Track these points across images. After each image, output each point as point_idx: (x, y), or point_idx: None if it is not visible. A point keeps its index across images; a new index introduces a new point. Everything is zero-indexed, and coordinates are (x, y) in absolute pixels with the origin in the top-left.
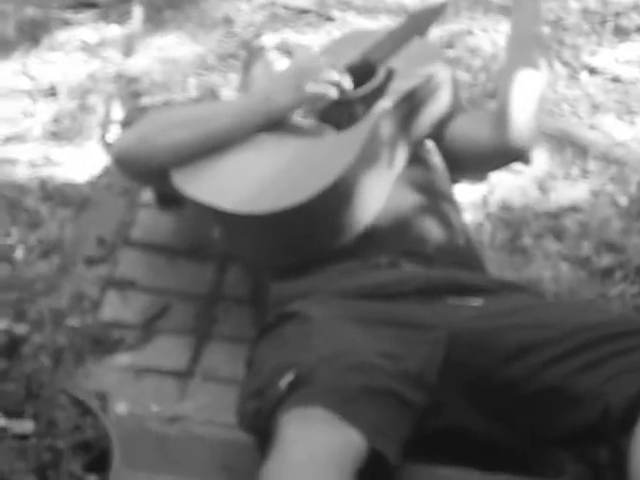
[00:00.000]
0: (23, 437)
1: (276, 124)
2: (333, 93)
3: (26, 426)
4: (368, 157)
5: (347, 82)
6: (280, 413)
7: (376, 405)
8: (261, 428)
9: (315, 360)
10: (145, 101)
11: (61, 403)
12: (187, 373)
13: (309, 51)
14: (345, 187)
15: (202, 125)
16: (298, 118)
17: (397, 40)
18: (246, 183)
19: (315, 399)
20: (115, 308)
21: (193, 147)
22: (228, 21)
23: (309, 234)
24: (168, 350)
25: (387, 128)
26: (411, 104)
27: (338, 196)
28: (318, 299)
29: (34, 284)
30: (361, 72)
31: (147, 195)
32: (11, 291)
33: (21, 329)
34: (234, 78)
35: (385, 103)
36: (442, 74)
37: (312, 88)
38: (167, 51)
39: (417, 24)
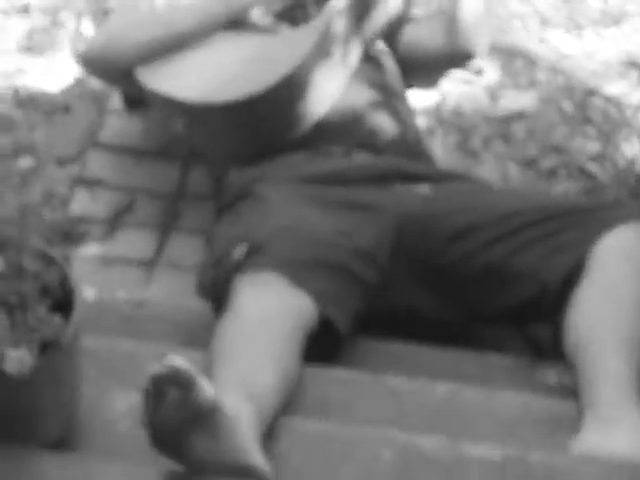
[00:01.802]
0: None
1: (236, 23)
2: None
3: None
4: (322, 52)
5: None
6: (235, 280)
7: (328, 276)
8: (218, 295)
9: (269, 232)
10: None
11: (28, 251)
12: (152, 262)
13: None
14: (299, 79)
15: (166, 25)
16: (257, 17)
17: None
18: (207, 76)
19: (268, 265)
20: (84, 204)
21: (157, 46)
22: None
23: (266, 123)
24: (134, 242)
25: (340, 25)
26: (364, 2)
27: (293, 87)
28: (273, 182)
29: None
30: None
31: (116, 101)
32: None
33: None
34: None
35: (338, 2)
36: None
37: None
38: None
39: None
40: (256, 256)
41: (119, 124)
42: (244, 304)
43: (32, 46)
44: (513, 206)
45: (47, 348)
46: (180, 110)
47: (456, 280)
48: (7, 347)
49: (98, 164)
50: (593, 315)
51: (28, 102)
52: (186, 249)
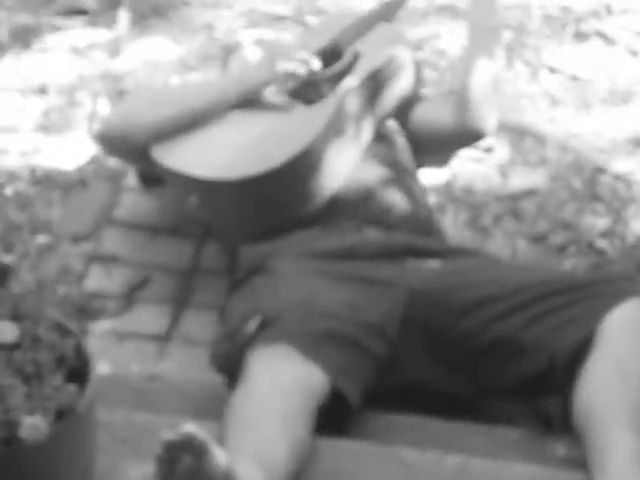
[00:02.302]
0: (11, 348)
1: (250, 101)
2: (302, 71)
3: (10, 333)
4: (335, 129)
5: (316, 63)
6: (248, 353)
7: (339, 349)
8: (231, 368)
9: (282, 305)
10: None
11: (44, 323)
12: (166, 337)
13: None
14: (313, 156)
15: (181, 103)
16: (271, 96)
17: (364, 25)
18: (221, 153)
19: (281, 338)
20: (98, 280)
21: (172, 124)
22: (209, 27)
23: (279, 200)
24: (148, 317)
25: (353, 104)
26: (376, 83)
27: (306, 164)
28: (286, 257)
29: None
30: (330, 55)
31: (131, 179)
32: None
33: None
34: (211, 76)
35: (351, 81)
36: (404, 56)
37: (282, 66)
38: (151, 53)
39: (384, 11)
40: (269, 329)
41: (134, 202)
42: (257, 376)
43: (49, 125)
44: (522, 281)
45: (62, 416)
46: (194, 187)
47: (466, 354)
48: (23, 414)
49: (113, 241)
50: (602, 389)
51: (44, 180)
52: (200, 324)
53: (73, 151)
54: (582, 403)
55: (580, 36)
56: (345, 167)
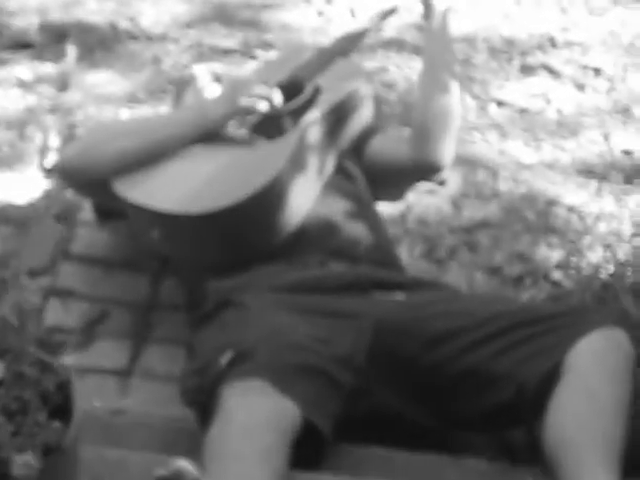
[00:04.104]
0: None
1: (211, 135)
2: (263, 106)
3: None
4: (297, 163)
5: (277, 97)
6: (221, 387)
7: (309, 381)
8: (202, 402)
9: (253, 339)
10: (80, 131)
11: (26, 359)
12: (127, 372)
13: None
14: (277, 190)
15: (142, 136)
16: (231, 130)
17: (324, 60)
18: (184, 187)
19: (254, 373)
20: (57, 315)
21: (133, 157)
22: (157, 60)
23: (243, 234)
24: (108, 352)
25: (315, 137)
26: (337, 116)
27: (271, 198)
28: (252, 292)
29: None
30: (290, 89)
31: (86, 213)
32: None
33: None
34: (165, 110)
35: (313, 115)
36: (364, 89)
37: (244, 101)
38: (99, 88)
39: (342, 46)
40: (241, 364)
41: (89, 236)
42: (233, 411)
43: None
44: (488, 312)
45: (48, 453)
46: (156, 221)
47: (433, 385)
48: (12, 452)
49: (69, 275)
50: (573, 419)
51: None
52: (160, 359)
53: (25, 185)
54: (553, 434)
55: (526, 69)
56: (308, 201)
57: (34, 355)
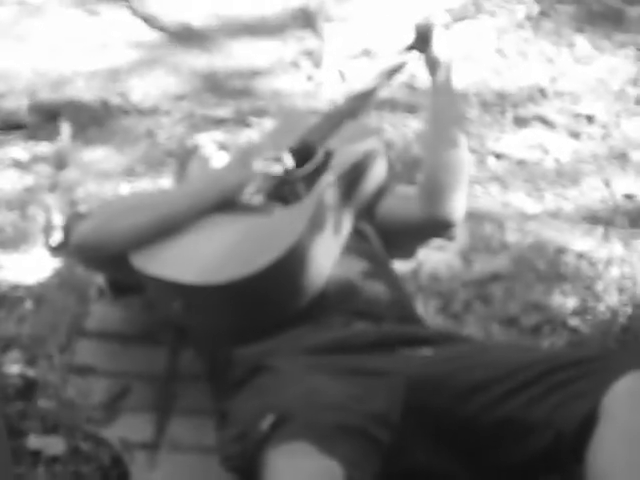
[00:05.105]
0: (52, 460)
1: (228, 204)
2: (277, 170)
3: (56, 447)
4: (316, 226)
5: (289, 162)
6: (265, 451)
7: (350, 440)
8: (246, 468)
9: (291, 401)
10: (83, 208)
11: (80, 434)
12: (153, 445)
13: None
14: (298, 254)
15: (158, 210)
16: (247, 197)
17: (333, 122)
18: (205, 257)
19: (298, 435)
20: (78, 391)
21: (150, 231)
22: (151, 134)
23: (267, 300)
24: (133, 426)
25: (331, 200)
26: (352, 177)
27: (292, 263)
28: (283, 356)
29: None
30: (301, 154)
31: (96, 290)
32: None
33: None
34: (165, 183)
35: (328, 178)
36: (377, 148)
37: (257, 166)
38: (97, 164)
39: (351, 107)
40: (283, 426)
41: (103, 311)
42: (281, 473)
43: (3, 240)
44: (519, 361)
45: None
46: (178, 293)
47: (469, 438)
48: None
49: (87, 352)
50: (614, 461)
51: (8, 297)
52: (186, 430)
53: (33, 265)
54: (595, 478)
55: (520, 121)
56: (329, 263)
57: (86, 430)
